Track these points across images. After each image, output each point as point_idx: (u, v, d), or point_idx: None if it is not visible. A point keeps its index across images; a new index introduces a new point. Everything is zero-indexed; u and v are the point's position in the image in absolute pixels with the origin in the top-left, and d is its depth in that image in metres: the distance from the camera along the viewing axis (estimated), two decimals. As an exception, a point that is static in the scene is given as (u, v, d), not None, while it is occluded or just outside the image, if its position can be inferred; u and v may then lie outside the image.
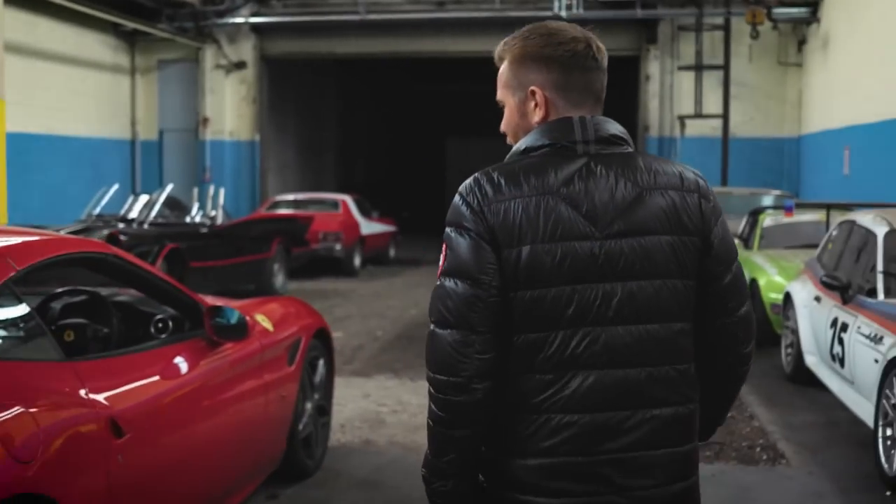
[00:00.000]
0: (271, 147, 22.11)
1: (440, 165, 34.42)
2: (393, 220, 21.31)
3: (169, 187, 13.57)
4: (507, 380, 2.14)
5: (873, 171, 15.55)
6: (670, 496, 2.19)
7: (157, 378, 4.12)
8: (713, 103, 19.60)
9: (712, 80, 19.66)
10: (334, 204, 18.74)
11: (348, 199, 18.86)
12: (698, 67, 19.63)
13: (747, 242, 11.71)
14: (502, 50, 2.33)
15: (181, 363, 4.38)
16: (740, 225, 14.36)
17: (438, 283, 2.15)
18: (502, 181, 2.15)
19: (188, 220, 13.14)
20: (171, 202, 13.93)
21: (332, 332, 10.89)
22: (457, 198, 2.20)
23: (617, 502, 2.15)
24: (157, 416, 3.96)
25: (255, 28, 20.88)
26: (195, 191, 14.23)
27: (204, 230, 13.11)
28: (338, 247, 17.46)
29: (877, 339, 6.26)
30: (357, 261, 18.28)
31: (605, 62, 2.28)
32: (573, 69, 2.22)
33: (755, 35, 18.83)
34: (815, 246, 11.23)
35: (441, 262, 2.16)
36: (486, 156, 29.13)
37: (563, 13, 19.22)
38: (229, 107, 21.15)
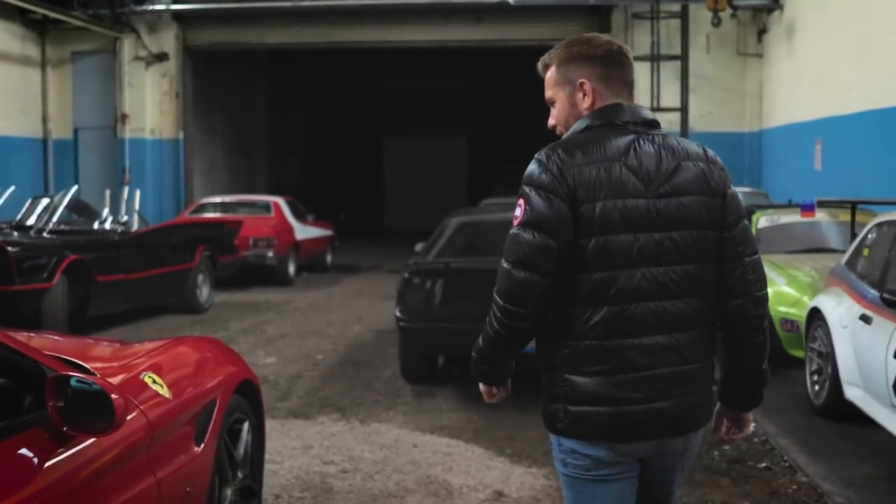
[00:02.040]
0: (197, 146, 20.06)
1: (378, 165, 32.43)
2: (329, 223, 19.41)
3: (73, 189, 11.58)
4: (578, 310, 2.59)
5: (849, 165, 14.10)
6: (701, 399, 2.70)
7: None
8: (670, 96, 18.05)
9: (669, 72, 18.10)
10: (266, 207, 16.80)
11: (281, 202, 16.93)
12: (654, 58, 18.05)
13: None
14: (547, 60, 2.83)
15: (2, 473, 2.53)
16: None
17: (516, 231, 2.59)
18: (578, 150, 2.61)
19: (96, 226, 11.11)
20: (78, 206, 11.92)
21: (265, 361, 9.07)
22: (535, 164, 2.62)
23: (668, 406, 2.63)
24: None
25: (178, 16, 18.85)
26: (107, 193, 12.21)
27: (115, 238, 11.13)
28: (270, 254, 15.53)
29: None
30: (291, 269, 16.36)
31: (631, 58, 2.79)
32: (611, 64, 2.74)
33: (717, 23, 17.30)
34: (821, 251, 9.68)
35: (520, 215, 2.59)
36: (426, 155, 27.30)
37: (512, 0, 17.55)
38: (150, 102, 19.09)
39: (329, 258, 18.98)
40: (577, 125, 2.71)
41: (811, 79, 15.47)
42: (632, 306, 2.58)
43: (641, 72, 18.15)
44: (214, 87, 21.51)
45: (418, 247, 9.84)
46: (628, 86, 2.75)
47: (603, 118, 2.69)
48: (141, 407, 3.24)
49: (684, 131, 17.87)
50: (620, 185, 2.58)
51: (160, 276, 11.78)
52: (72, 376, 2.74)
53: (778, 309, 8.44)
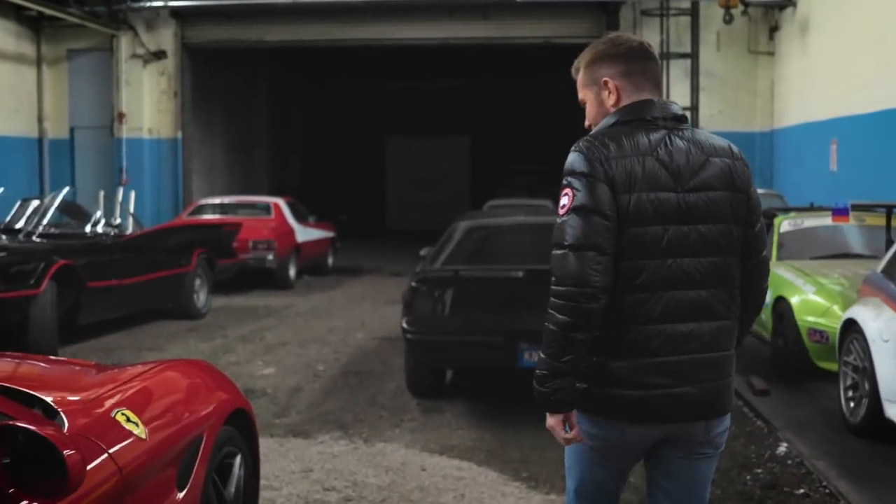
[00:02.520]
0: (196, 146, 19.57)
1: (380, 165, 31.91)
2: (331, 224, 18.90)
3: (65, 191, 11.06)
4: (611, 297, 2.62)
5: (866, 166, 13.61)
6: (723, 387, 2.78)
7: None
8: (680, 95, 17.51)
9: (678, 71, 17.61)
10: (266, 208, 16.30)
11: (281, 203, 16.43)
12: (664, 56, 17.53)
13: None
14: (577, 63, 2.91)
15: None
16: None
17: (567, 217, 2.63)
18: (612, 143, 2.68)
19: (88, 230, 10.61)
20: (70, 209, 11.42)
21: (263, 371, 8.58)
22: (577, 155, 2.69)
23: (691, 392, 2.71)
24: None
25: (176, 13, 18.37)
26: (101, 195, 11.71)
27: (108, 242, 10.63)
28: (270, 257, 15.03)
29: None
30: (292, 272, 15.86)
31: (657, 54, 2.92)
32: (632, 60, 2.81)
33: (729, 20, 16.81)
34: (848, 256, 9.19)
35: (568, 203, 2.64)
36: (428, 156, 26.74)
37: (519, -4, 17.08)
38: (148, 101, 18.62)
39: (331, 260, 18.48)
40: (607, 121, 2.79)
41: (826, 77, 14.98)
42: (658, 294, 2.66)
43: (650, 70, 17.64)
44: (214, 86, 21.02)
45: (424, 251, 9.34)
46: (653, 81, 2.83)
47: (633, 114, 2.77)
48: (110, 452, 2.75)
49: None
50: (653, 179, 2.67)
51: (155, 280, 11.29)
52: (19, 427, 2.24)
53: (805, 318, 7.95)
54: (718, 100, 17.90)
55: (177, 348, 10.18)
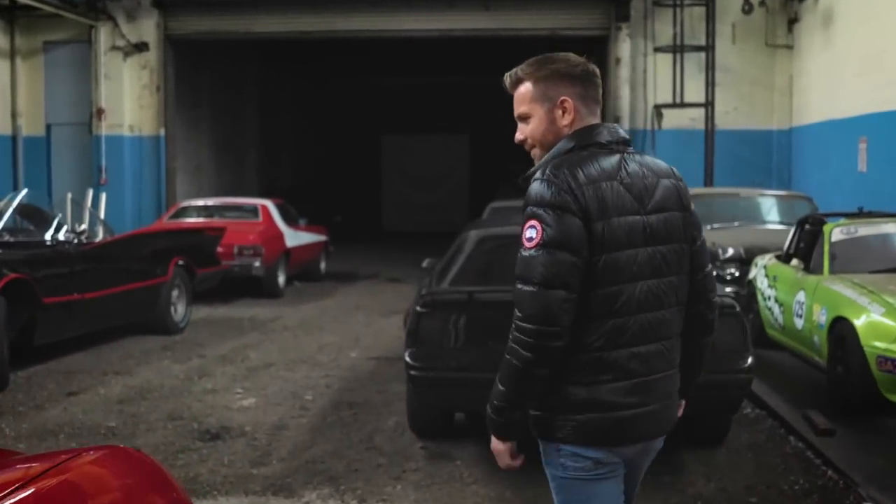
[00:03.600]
0: (180, 144, 18.28)
1: (375, 165, 30.44)
2: (324, 227, 17.61)
3: (22, 193, 9.81)
4: (586, 325, 2.60)
5: (901, 167, 12.43)
6: (674, 405, 2.83)
7: None
8: (693, 91, 16.34)
9: (691, 65, 16.39)
10: (253, 211, 15.03)
11: (270, 206, 15.16)
12: (676, 49, 16.33)
13: (809, 264, 8.33)
14: (520, 74, 2.82)
15: None
16: (748, 236, 11.10)
17: (536, 252, 2.56)
18: (579, 171, 2.62)
19: (48, 237, 9.32)
20: (31, 213, 10.10)
21: (242, 402, 7.34)
22: (544, 185, 2.59)
23: (658, 411, 2.73)
24: None
25: (159, 3, 17.03)
26: (68, 197, 10.41)
27: (70, 251, 9.35)
28: (257, 263, 13.76)
29: None
30: (281, 279, 14.60)
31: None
32: (588, 84, 2.79)
33: (748, 10, 15.65)
34: (914, 269, 7.96)
35: (537, 236, 2.57)
36: (426, 154, 25.31)
37: (523, -15, 15.85)
38: (128, 96, 17.29)
39: (323, 266, 17.21)
40: (562, 145, 2.76)
41: (854, 71, 13.76)
42: (632, 318, 2.66)
43: (663, 64, 16.48)
44: (200, 81, 19.74)
45: (427, 263, 8.11)
46: (599, 104, 2.83)
47: (589, 139, 2.75)
48: None
49: (710, 128, 16.17)
50: (621, 203, 2.66)
51: (125, 293, 10.03)
52: None
53: (873, 344, 6.72)
54: (733, 96, 16.68)
55: (147, 371, 8.92)
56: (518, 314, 2.57)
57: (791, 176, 16.76)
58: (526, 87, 2.79)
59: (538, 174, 2.64)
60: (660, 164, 2.82)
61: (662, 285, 2.71)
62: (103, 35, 17.12)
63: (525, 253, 2.59)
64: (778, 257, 9.27)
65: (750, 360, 5.55)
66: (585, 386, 2.64)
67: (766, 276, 9.14)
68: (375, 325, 11.87)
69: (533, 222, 2.59)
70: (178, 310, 11.07)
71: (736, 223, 11.85)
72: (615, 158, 2.70)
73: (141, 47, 17.18)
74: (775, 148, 16.87)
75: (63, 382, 8.35)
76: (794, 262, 8.47)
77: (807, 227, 8.87)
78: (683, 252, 2.78)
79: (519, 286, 2.58)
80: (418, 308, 5.64)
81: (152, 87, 17.36)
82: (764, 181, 16.50)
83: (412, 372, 5.53)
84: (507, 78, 2.85)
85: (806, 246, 8.64)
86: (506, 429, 2.67)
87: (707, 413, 5.98)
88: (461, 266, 6.28)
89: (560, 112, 2.75)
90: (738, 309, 5.60)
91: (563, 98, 2.74)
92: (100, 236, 10.43)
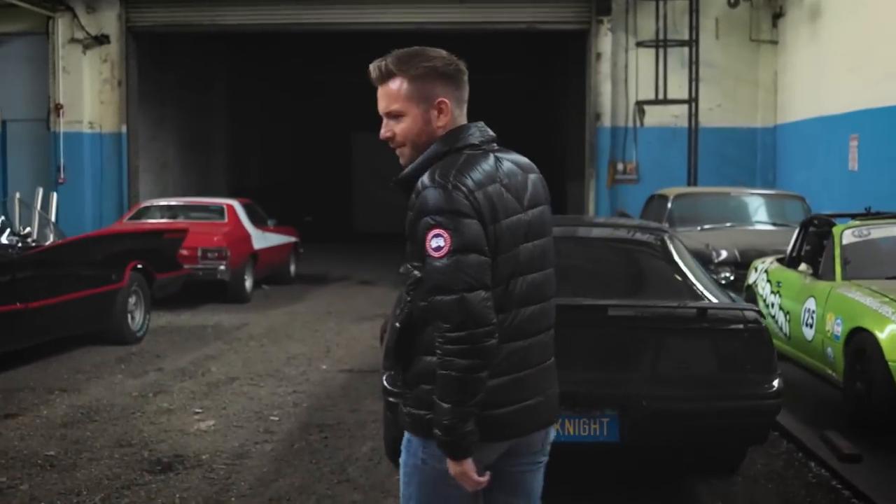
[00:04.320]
0: (144, 142, 17.36)
1: (346, 163, 29.51)
2: (293, 228, 16.75)
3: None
4: None
5: (893, 165, 11.77)
6: (557, 393, 2.85)
7: None
8: (675, 87, 15.63)
9: (674, 60, 15.69)
10: (219, 211, 14.14)
11: (236, 205, 14.28)
12: (660, 44, 15.61)
13: (818, 270, 7.59)
14: (392, 68, 2.73)
15: None
16: (742, 237, 10.41)
17: (449, 260, 2.54)
18: (467, 175, 2.61)
19: (-10, 240, 8.44)
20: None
21: (200, 425, 6.54)
22: (439, 192, 2.57)
23: (542, 401, 2.74)
24: None
25: (120, -7, 16.15)
26: (15, 197, 9.54)
27: (13, 256, 8.47)
28: (222, 267, 12.88)
29: None
30: (248, 283, 13.73)
31: None
32: (461, 83, 2.77)
33: (734, 3, 14.94)
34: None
35: (445, 244, 2.55)
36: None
37: (500, -24, 15.08)
38: (88, 91, 16.39)
39: (293, 268, 16.36)
40: (436, 148, 2.71)
41: (844, 66, 13.12)
42: (517, 311, 2.67)
43: (645, 59, 15.78)
44: (165, 77, 18.83)
45: (404, 268, 7.30)
46: (465, 103, 2.80)
47: (461, 140, 2.72)
48: None
49: (693, 125, 15.46)
50: (506, 204, 2.67)
51: (76, 302, 9.16)
52: None
53: (902, 359, 6.01)
54: (717, 92, 16.02)
55: (98, 388, 8.07)
56: (445, 325, 2.54)
57: (776, 175, 16.12)
58: (398, 84, 2.73)
59: (427, 181, 2.60)
60: (525, 160, 2.85)
61: (541, 278, 2.76)
62: (62, 27, 16.23)
63: (437, 263, 2.56)
64: (780, 261, 8.55)
65: (777, 383, 4.80)
66: (491, 380, 2.62)
67: (769, 281, 8.42)
68: (347, 332, 11.06)
69: (437, 231, 2.56)
70: (136, 318, 10.20)
71: (728, 224, 11.14)
72: (491, 160, 2.70)
73: (101, 40, 16.29)
74: (759, 146, 16.24)
75: (1, 402, 7.48)
76: (803, 266, 7.74)
77: (812, 228, 8.14)
78: (552, 244, 2.84)
79: (438, 297, 2.55)
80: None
81: (113, 82, 16.46)
82: (748, 180, 15.86)
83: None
84: (375, 70, 2.76)
85: (812, 249, 7.91)
86: (461, 446, 2.58)
87: (728, 444, 5.23)
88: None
89: (436, 113, 2.71)
90: (762, 324, 4.85)
91: (440, 99, 2.70)
92: (49, 240, 9.55)
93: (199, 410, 7.28)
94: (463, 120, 2.75)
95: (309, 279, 16.49)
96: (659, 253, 5.79)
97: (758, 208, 11.76)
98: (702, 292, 5.26)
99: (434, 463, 2.66)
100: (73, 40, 16.25)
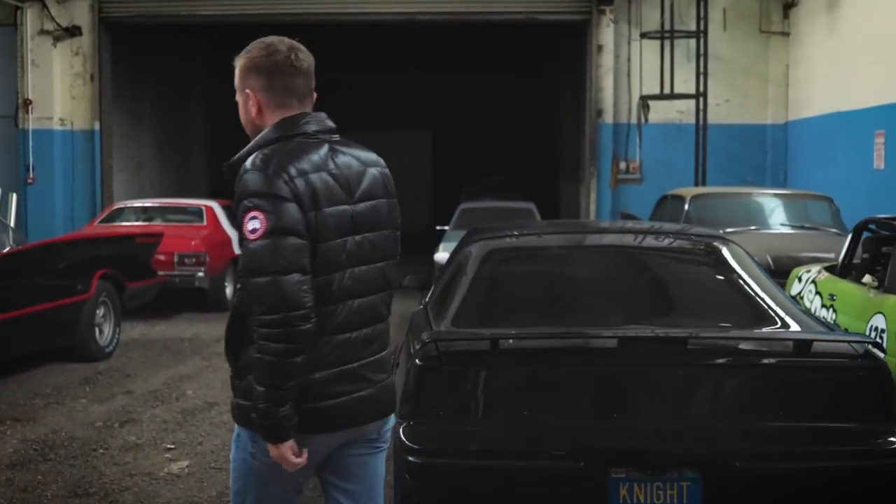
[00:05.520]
0: (119, 140, 16.22)
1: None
2: (277, 231, 15.60)
3: None
4: None
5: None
6: (391, 384, 2.85)
7: None
8: (681, 81, 14.66)
9: (680, 53, 14.71)
10: (197, 213, 12.99)
11: (216, 207, 13.14)
12: (665, 36, 14.62)
13: (883, 281, 6.57)
14: (237, 58, 2.82)
15: None
16: (773, 242, 9.43)
17: (264, 241, 2.54)
18: (288, 161, 2.62)
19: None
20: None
21: (171, 467, 5.44)
22: (258, 175, 2.59)
23: (372, 393, 2.74)
24: None
25: (92, -19, 15.01)
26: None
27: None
28: (200, 273, 11.76)
29: None
30: (229, 291, 12.61)
31: (309, 65, 2.83)
32: (275, 75, 2.75)
33: (745, -11, 13.98)
34: None
35: (261, 226, 2.55)
36: (385, 151, 22.77)
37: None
38: (59, 86, 15.24)
39: (276, 273, 15.21)
40: (267, 133, 2.75)
41: (868, 57, 12.16)
42: (342, 304, 2.68)
43: (650, 51, 14.78)
44: (142, 72, 17.71)
45: (408, 280, 6.31)
46: (299, 95, 2.79)
47: (293, 129, 2.74)
48: None
49: (702, 122, 14.47)
50: (330, 194, 2.66)
51: (36, 315, 8.08)
52: None
53: None
54: (725, 87, 15.06)
55: (56, 416, 6.98)
56: (259, 308, 2.54)
57: (787, 174, 15.16)
58: (235, 73, 2.83)
59: (248, 165, 2.63)
60: (369, 153, 2.87)
61: (370, 272, 2.75)
62: (30, 17, 15.07)
63: (252, 245, 2.56)
64: (829, 270, 7.52)
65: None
66: (318, 373, 2.65)
67: (818, 293, 7.38)
68: (338, 346, 9.99)
69: (254, 213, 2.57)
70: (104, 332, 9.11)
71: (752, 227, 10.11)
72: (324, 149, 2.73)
73: (73, 31, 15.15)
74: (770, 143, 15.29)
75: (-57, 435, 6.39)
76: (867, 278, 6.71)
77: (869, 234, 7.12)
78: (392, 238, 2.85)
79: (253, 279, 2.56)
80: (419, 362, 3.76)
81: (85, 76, 15.31)
82: (758, 179, 14.92)
83: (410, 458, 3.65)
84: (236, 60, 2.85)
85: (871, 257, 6.89)
86: (278, 429, 2.58)
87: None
88: (468, 295, 4.40)
89: (250, 104, 2.78)
90: (880, 360, 3.81)
91: (248, 90, 2.77)
92: (7, 246, 8.42)
93: (172, 446, 6.20)
94: (294, 111, 2.76)
95: (294, 285, 15.37)
96: (722, 266, 4.73)
97: (783, 210, 10.72)
98: (786, 318, 4.21)
99: (262, 457, 2.65)
100: (42, 32, 15.11)
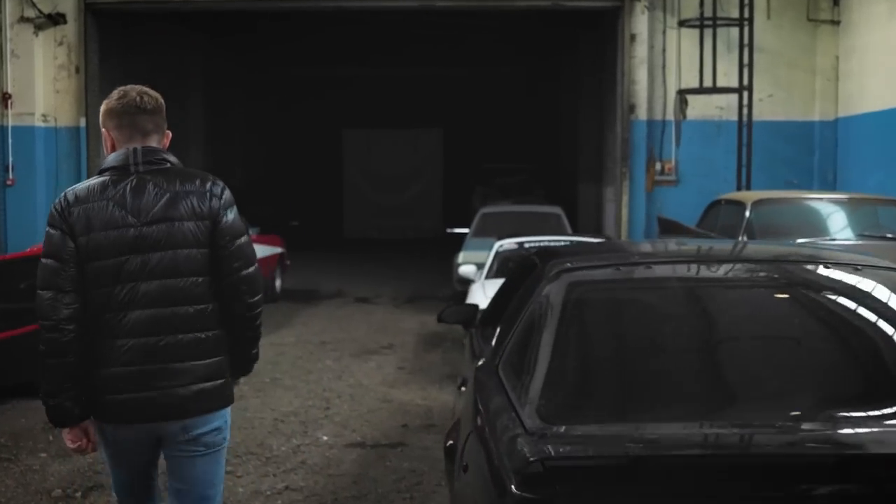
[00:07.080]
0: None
1: (337, 163, 26.71)
2: (279, 237, 14.30)
3: None
4: (92, 321, 3.08)
5: None
6: (190, 393, 3.10)
7: None
8: (722, 74, 13.26)
9: (720, 43, 13.32)
10: (190, 219, 11.60)
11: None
12: (704, 24, 13.23)
13: None
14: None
15: None
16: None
17: (39, 263, 3.10)
18: (73, 194, 3.15)
19: None
20: None
21: None
22: (51, 208, 3.17)
23: (156, 396, 3.07)
24: None
25: (77, -36, 13.65)
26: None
27: None
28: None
29: None
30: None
31: (154, 106, 3.29)
32: (124, 115, 3.23)
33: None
34: None
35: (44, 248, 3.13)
36: (393, 151, 20.79)
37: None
38: (41, 79, 13.83)
39: (278, 283, 13.95)
40: (98, 168, 3.27)
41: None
42: (124, 314, 3.07)
43: (688, 41, 13.39)
44: (134, 66, 16.23)
45: (446, 315, 4.98)
46: (142, 131, 3.23)
47: (110, 163, 3.21)
48: None
49: (746, 118, 13.07)
50: (109, 219, 3.10)
51: (9, 341, 6.70)
52: None
53: None
54: (768, 81, 13.63)
55: (5, 480, 5.57)
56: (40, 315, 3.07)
57: (836, 175, 13.76)
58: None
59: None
60: (186, 179, 3.20)
61: (156, 287, 3.08)
62: (10, 4, 13.68)
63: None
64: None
65: None
66: (98, 370, 3.09)
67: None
68: (349, 374, 8.61)
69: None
70: (77, 362, 7.69)
71: (826, 237, 8.72)
72: (127, 180, 3.14)
73: (56, 19, 13.73)
74: (817, 142, 13.85)
75: None
76: None
77: None
78: (195, 257, 3.13)
79: (38, 293, 3.07)
80: (515, 489, 2.31)
81: (70, 68, 13.91)
82: (803, 182, 13.52)
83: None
84: None
85: None
86: (54, 415, 3.11)
87: None
88: (558, 363, 2.96)
89: (107, 141, 3.31)
90: None
91: (104, 129, 3.27)
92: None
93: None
94: (131, 146, 3.19)
95: (297, 296, 14.04)
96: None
97: (855, 217, 9.33)
98: None
99: (101, 438, 3.20)
100: (23, 19, 13.71)
